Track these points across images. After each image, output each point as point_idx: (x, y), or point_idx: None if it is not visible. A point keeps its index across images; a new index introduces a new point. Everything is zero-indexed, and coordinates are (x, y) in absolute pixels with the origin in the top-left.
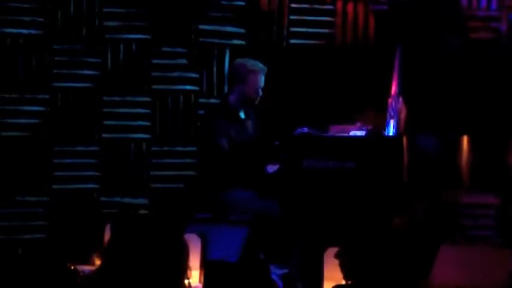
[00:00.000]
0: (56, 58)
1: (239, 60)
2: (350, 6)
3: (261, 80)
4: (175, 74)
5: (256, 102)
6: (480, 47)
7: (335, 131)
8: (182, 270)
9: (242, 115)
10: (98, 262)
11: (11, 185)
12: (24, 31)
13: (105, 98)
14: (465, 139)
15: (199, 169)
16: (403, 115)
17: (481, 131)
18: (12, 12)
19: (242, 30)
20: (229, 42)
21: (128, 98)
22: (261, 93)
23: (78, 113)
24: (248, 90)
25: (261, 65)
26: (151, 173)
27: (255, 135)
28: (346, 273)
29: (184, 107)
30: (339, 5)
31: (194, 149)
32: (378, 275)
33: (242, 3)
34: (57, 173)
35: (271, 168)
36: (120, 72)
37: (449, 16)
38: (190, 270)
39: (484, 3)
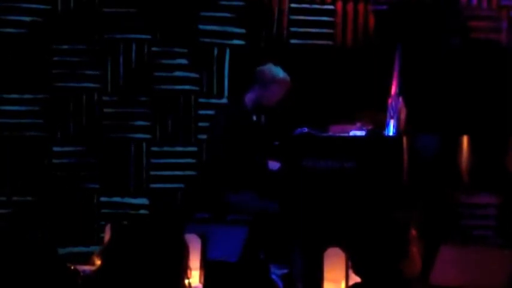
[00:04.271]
0: (56, 58)
1: (269, 67)
2: (350, 6)
3: (282, 93)
4: (175, 74)
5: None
6: (480, 47)
7: (335, 131)
8: (182, 270)
9: (254, 117)
10: (98, 262)
11: (11, 185)
12: (24, 31)
13: (105, 98)
14: (465, 139)
15: (201, 168)
16: (403, 115)
17: (481, 131)
18: (13, 12)
19: (242, 30)
20: (229, 42)
21: (128, 98)
22: (275, 104)
23: (78, 112)
24: (266, 98)
25: (288, 79)
26: (151, 173)
27: (260, 138)
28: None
29: (185, 107)
30: (339, 5)
31: (194, 149)
32: (378, 274)
33: (242, 3)
34: (56, 173)
35: (274, 165)
36: (120, 72)
37: (449, 16)
38: (190, 270)
39: (484, 2)
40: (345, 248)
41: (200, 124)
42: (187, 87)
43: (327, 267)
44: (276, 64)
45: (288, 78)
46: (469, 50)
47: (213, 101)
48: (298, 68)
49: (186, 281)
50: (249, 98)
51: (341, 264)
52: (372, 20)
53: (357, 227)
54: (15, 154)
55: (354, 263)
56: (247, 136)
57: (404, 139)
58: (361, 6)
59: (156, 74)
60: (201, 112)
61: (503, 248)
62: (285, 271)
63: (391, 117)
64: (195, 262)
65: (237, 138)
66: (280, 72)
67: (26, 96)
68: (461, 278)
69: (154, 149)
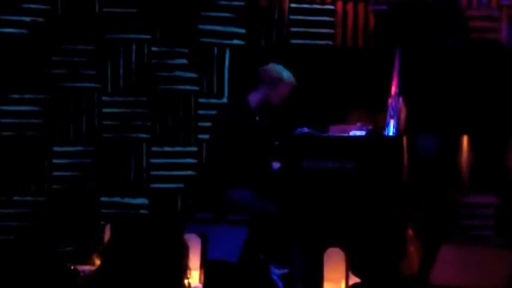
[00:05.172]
0: (56, 58)
1: (273, 66)
2: (350, 6)
3: (289, 91)
4: (176, 74)
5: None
6: (480, 47)
7: (335, 131)
8: (182, 270)
9: (256, 118)
10: (98, 262)
11: (11, 185)
12: (24, 31)
13: (105, 98)
14: (465, 139)
15: (201, 168)
16: (403, 115)
17: (481, 131)
18: (13, 12)
19: (242, 30)
20: (229, 42)
21: (128, 98)
22: (282, 103)
23: (78, 112)
24: (273, 97)
25: (293, 79)
26: (151, 173)
27: (262, 137)
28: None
29: (185, 107)
30: (339, 5)
31: (194, 149)
32: (376, 274)
33: (242, 3)
34: (56, 173)
35: (276, 165)
36: (120, 72)
37: (449, 16)
38: (190, 270)
39: (484, 2)
40: (345, 248)
41: (200, 124)
42: (187, 87)
43: (327, 267)
44: (277, 63)
45: (292, 76)
46: (469, 50)
47: (213, 101)
48: (298, 68)
49: (186, 281)
50: (253, 97)
51: (341, 264)
52: (372, 20)
53: (356, 227)
54: (15, 154)
55: (354, 263)
56: (248, 136)
57: (404, 139)
58: (361, 6)
59: (156, 74)
60: (201, 112)
61: (503, 248)
62: (285, 271)
63: (391, 117)
64: (195, 262)
65: (238, 138)
66: (285, 71)
67: (27, 96)
68: (461, 278)
69: (154, 149)
